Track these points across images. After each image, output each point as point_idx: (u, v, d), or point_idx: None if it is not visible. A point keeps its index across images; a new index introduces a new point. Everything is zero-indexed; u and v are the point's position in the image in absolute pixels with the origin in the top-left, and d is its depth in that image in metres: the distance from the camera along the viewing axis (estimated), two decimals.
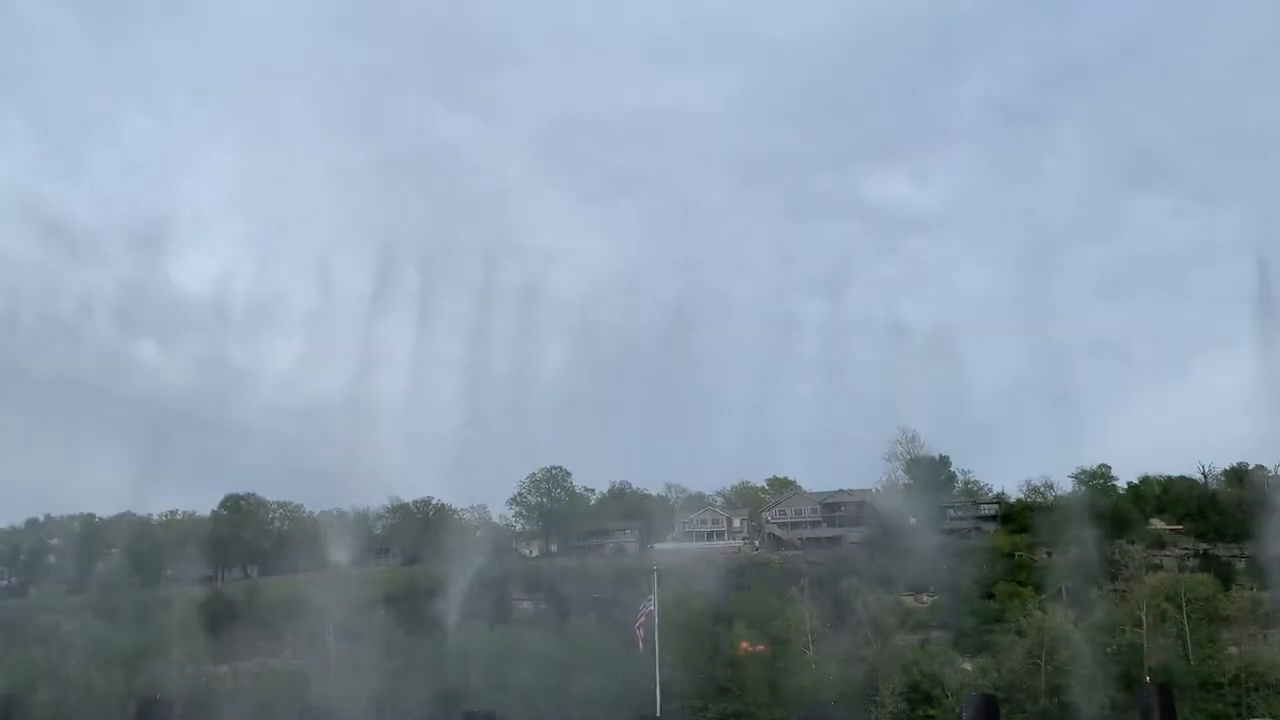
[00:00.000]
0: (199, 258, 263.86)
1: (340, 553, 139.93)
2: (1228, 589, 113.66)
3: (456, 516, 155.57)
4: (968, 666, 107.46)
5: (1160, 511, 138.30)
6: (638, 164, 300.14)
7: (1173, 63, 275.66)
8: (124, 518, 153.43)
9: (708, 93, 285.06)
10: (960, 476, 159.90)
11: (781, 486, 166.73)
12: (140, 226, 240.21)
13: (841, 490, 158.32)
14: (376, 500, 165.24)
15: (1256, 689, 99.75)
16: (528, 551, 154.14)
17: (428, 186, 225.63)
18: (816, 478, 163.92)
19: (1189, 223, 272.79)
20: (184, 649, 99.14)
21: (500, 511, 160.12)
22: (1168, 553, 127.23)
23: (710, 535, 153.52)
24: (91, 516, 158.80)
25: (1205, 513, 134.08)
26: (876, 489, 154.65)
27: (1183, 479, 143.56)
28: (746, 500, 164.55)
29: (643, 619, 74.30)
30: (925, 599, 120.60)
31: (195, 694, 79.04)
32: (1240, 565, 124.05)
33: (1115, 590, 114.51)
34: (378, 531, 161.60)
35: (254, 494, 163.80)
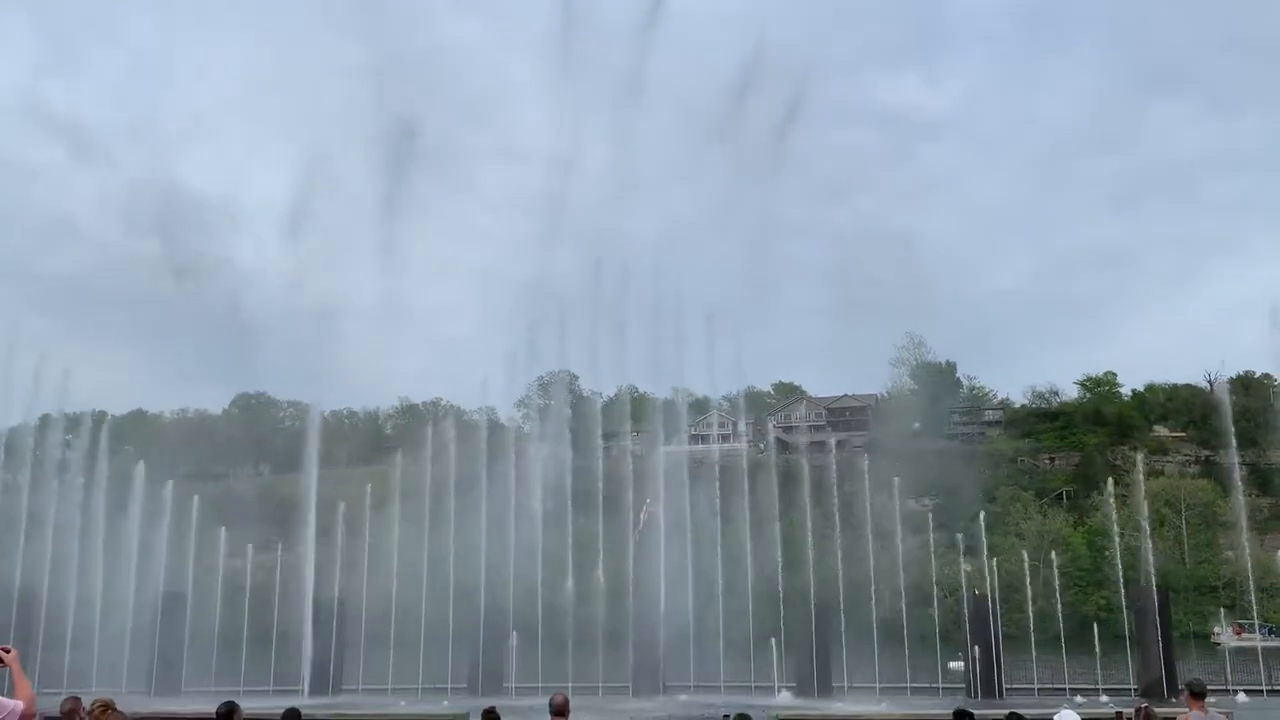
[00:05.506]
0: (204, 157, 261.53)
1: (349, 451, 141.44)
2: (1227, 495, 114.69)
3: (465, 418, 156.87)
4: (967, 568, 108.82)
5: (1164, 418, 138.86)
6: (645, 67, 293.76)
7: None
8: (136, 415, 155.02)
9: None
10: (966, 383, 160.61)
11: (787, 392, 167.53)
12: (144, 125, 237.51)
13: (847, 395, 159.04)
14: (386, 401, 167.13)
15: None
16: (534, 453, 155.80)
17: (432, 86, 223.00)
18: (822, 383, 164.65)
19: (1205, 130, 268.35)
20: (197, 543, 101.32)
21: (508, 413, 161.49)
22: (1170, 459, 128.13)
23: (716, 439, 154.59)
24: (104, 414, 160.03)
25: (1208, 420, 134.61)
26: (882, 395, 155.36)
27: (1188, 386, 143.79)
28: (752, 405, 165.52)
29: (646, 512, 75.63)
30: (927, 503, 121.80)
31: (209, 586, 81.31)
32: (1242, 472, 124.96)
33: (1117, 496, 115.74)
34: (388, 431, 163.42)
35: (264, 393, 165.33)
